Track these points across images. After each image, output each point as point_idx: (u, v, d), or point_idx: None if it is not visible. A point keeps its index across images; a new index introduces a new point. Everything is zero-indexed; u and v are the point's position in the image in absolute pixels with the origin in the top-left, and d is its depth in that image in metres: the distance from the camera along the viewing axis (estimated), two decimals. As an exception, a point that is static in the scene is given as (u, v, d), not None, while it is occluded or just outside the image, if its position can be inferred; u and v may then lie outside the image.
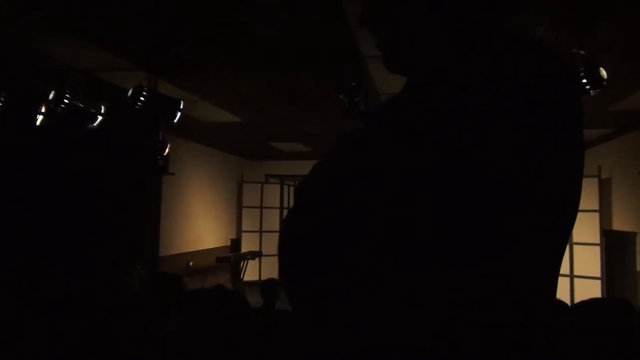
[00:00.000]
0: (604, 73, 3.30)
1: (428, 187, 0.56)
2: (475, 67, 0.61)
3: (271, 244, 9.41)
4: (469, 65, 0.61)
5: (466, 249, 0.56)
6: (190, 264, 7.74)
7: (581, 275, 6.65)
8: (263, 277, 8.43)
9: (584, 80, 3.28)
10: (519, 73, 0.59)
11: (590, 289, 6.29)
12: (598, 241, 6.63)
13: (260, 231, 9.42)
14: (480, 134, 0.56)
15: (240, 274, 7.83)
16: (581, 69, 3.31)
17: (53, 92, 3.97)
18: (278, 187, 9.84)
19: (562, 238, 0.64)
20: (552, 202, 0.60)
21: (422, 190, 0.56)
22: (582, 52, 3.33)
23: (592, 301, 2.17)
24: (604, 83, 3.32)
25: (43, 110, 3.96)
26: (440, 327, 0.56)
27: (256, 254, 8.43)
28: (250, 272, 8.17)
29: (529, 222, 0.58)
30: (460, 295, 0.56)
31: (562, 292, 6.47)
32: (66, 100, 3.97)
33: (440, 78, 0.63)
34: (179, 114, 4.30)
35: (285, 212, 9.83)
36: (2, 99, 3.76)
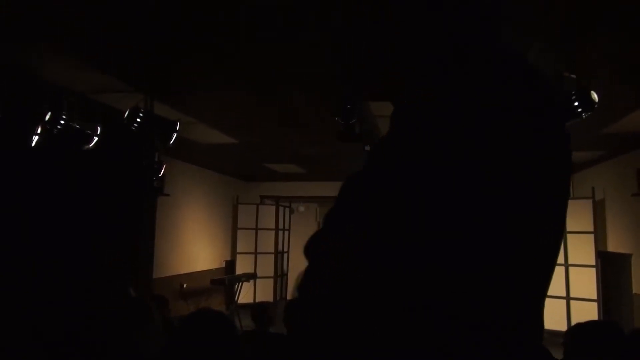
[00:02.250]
0: (595, 96, 3.35)
1: (430, 189, 0.56)
2: (477, 71, 0.61)
3: (266, 265, 9.36)
4: (470, 67, 0.62)
5: (469, 252, 0.56)
6: (184, 286, 7.66)
7: (577, 298, 6.63)
8: (258, 300, 8.35)
9: (576, 104, 3.33)
10: (520, 76, 0.61)
11: (586, 311, 6.26)
12: (593, 263, 6.63)
13: (255, 253, 9.36)
14: (480, 133, 0.57)
15: (235, 296, 7.75)
16: (572, 93, 3.36)
17: (49, 113, 3.98)
18: (273, 208, 9.82)
19: (556, 241, 0.64)
20: (554, 204, 0.60)
21: (424, 192, 0.56)
22: (573, 76, 3.38)
23: (589, 324, 2.16)
24: (596, 106, 3.37)
25: (39, 131, 3.97)
26: (441, 330, 0.55)
27: (251, 276, 8.36)
28: (245, 295, 8.09)
29: (533, 224, 0.58)
30: (463, 298, 0.56)
31: (559, 315, 6.43)
32: (62, 122, 3.98)
33: (441, 81, 0.63)
34: (174, 135, 4.31)
35: (280, 233, 9.79)
36: (-2, 120, 3.76)
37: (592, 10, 2.71)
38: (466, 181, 0.55)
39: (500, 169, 0.56)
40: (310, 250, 0.65)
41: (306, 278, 0.63)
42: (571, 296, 6.70)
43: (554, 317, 6.23)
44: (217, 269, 8.88)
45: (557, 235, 0.61)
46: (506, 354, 0.56)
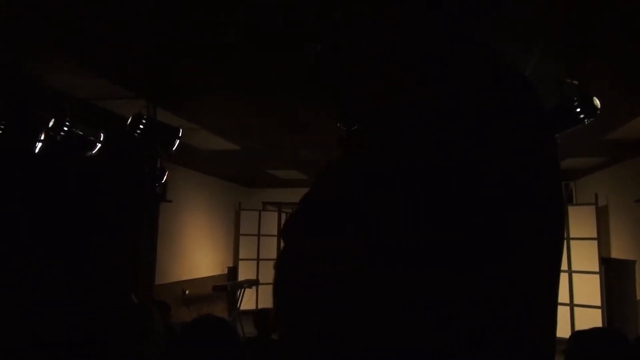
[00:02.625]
0: (597, 102, 3.35)
1: (430, 189, 0.56)
2: (477, 71, 0.62)
3: (268, 272, 9.34)
4: (470, 67, 0.62)
5: (469, 252, 0.55)
6: (187, 292, 7.65)
7: (581, 304, 6.60)
8: (260, 306, 8.33)
9: (578, 110, 3.32)
10: (519, 77, 0.62)
11: (590, 318, 6.22)
12: (597, 269, 6.60)
13: (258, 259, 9.35)
14: (480, 133, 0.57)
15: (237, 303, 7.73)
16: (575, 99, 3.36)
17: (53, 119, 4.00)
18: (276, 214, 9.82)
19: (557, 243, 0.63)
20: (554, 204, 0.60)
21: (424, 192, 0.56)
22: (576, 82, 3.38)
23: (592, 331, 2.15)
24: (598, 112, 3.36)
25: (42, 137, 3.98)
26: (441, 330, 0.55)
27: (253, 283, 8.34)
28: (247, 301, 8.07)
29: (533, 224, 0.58)
30: (463, 298, 0.55)
31: (563, 322, 6.40)
32: (65, 128, 4.00)
33: (441, 81, 0.63)
34: (177, 141, 4.32)
35: (282, 239, 9.76)
36: (2, 127, 3.78)
37: (592, 11, 2.71)
38: (466, 181, 0.55)
39: (500, 169, 0.56)
40: (292, 235, 0.65)
41: (293, 273, 0.63)
42: (575, 303, 6.66)
43: (558, 324, 6.17)
44: (219, 276, 8.87)
45: (556, 236, 0.61)
46: (506, 355, 0.56)
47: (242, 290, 7.81)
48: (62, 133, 3.98)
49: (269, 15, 2.81)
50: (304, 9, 2.69)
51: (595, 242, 6.63)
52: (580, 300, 6.61)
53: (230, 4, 2.69)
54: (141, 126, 4.08)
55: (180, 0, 2.67)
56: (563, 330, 5.92)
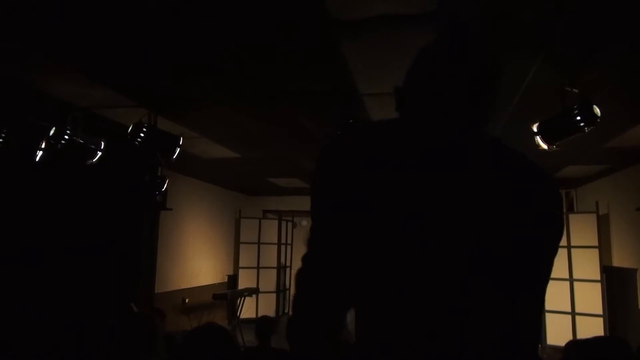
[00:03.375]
0: (597, 110, 3.35)
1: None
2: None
3: (268, 280, 9.31)
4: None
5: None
6: (187, 300, 7.62)
7: (583, 313, 6.56)
8: (260, 314, 8.30)
9: (578, 118, 3.33)
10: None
11: (592, 327, 6.18)
12: (598, 277, 6.57)
13: (258, 267, 9.32)
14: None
15: (237, 311, 7.70)
16: (575, 107, 3.37)
17: (54, 128, 4.01)
18: (276, 222, 9.80)
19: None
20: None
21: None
22: (576, 90, 3.39)
23: (594, 340, 2.14)
24: (598, 120, 3.36)
25: (43, 145, 3.99)
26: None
27: (253, 291, 8.31)
28: (247, 309, 8.03)
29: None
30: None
31: (564, 330, 6.36)
32: (67, 137, 4.01)
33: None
34: (178, 150, 4.32)
35: (282, 247, 9.75)
36: (3, 135, 3.79)
37: (592, 18, 2.72)
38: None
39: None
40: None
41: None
42: (576, 311, 6.62)
43: (560, 333, 6.15)
44: (219, 284, 8.84)
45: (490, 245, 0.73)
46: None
47: (242, 298, 7.78)
48: (63, 141, 3.98)
49: (271, 28, 2.83)
50: (302, 20, 2.71)
51: (597, 250, 6.60)
52: (581, 309, 6.58)
53: (230, 13, 2.70)
54: (142, 134, 4.08)
55: (181, 10, 2.68)
56: (565, 339, 5.87)
